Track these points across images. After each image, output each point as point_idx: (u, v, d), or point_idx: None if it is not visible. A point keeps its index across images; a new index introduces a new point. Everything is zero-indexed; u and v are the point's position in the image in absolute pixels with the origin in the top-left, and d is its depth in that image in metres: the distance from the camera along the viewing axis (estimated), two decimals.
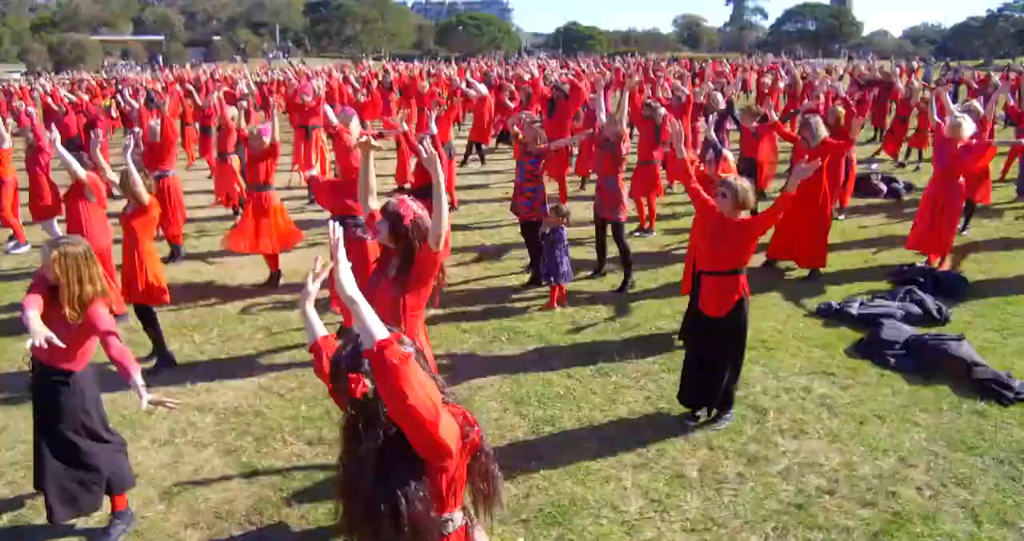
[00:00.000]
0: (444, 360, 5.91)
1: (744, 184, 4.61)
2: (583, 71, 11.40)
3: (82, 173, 6.31)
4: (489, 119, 14.36)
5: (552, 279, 7.02)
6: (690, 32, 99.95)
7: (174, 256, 8.75)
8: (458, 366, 5.82)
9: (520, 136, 7.37)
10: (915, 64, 26.13)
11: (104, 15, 76.72)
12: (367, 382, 2.07)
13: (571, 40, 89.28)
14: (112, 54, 68.79)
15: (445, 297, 7.33)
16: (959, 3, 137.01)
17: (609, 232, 7.61)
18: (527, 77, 15.49)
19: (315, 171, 8.78)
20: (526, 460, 4.53)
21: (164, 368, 5.90)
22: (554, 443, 4.74)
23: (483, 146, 14.78)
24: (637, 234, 9.38)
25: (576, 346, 6.18)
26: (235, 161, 9.79)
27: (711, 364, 4.81)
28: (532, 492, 4.22)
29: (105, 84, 26.09)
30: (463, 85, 14.17)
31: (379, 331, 1.97)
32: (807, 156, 7.03)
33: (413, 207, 3.47)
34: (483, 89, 14.07)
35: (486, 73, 21.31)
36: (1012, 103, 12.17)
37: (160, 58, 63.22)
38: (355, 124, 9.11)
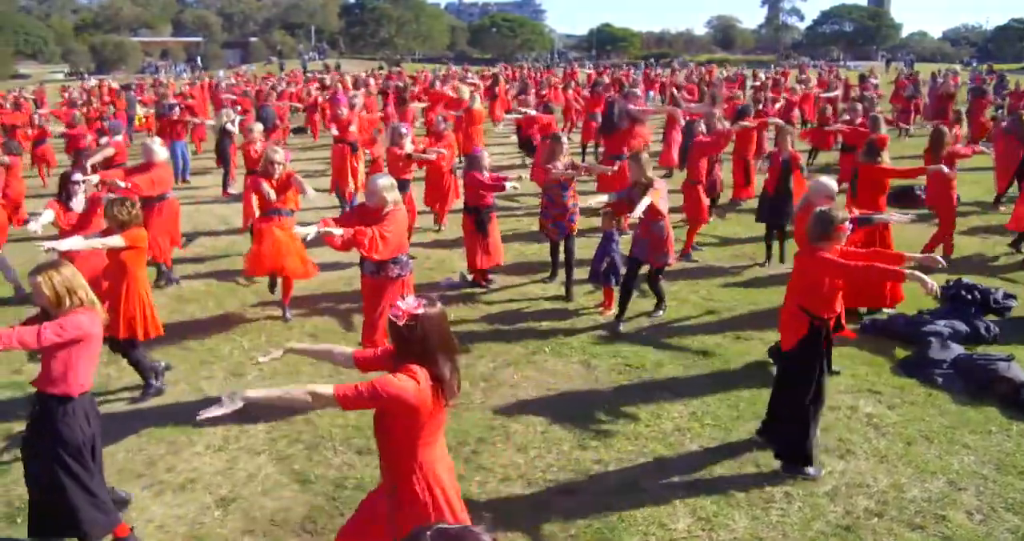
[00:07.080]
0: (489, 372, 6.00)
1: (841, 216, 4.29)
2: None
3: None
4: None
5: (613, 280, 7.02)
6: (724, 34, 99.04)
7: (160, 278, 8.10)
8: (502, 378, 5.89)
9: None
10: (958, 68, 25.62)
11: (144, 17, 78.11)
12: None
13: (604, 41, 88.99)
14: (151, 55, 70.07)
15: (487, 308, 7.41)
16: (1001, 4, 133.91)
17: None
18: (534, 112, 13.28)
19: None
20: (573, 475, 4.59)
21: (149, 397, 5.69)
22: (601, 458, 4.78)
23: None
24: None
25: (619, 359, 6.20)
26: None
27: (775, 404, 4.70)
28: (580, 508, 4.27)
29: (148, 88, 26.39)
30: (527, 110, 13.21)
31: None
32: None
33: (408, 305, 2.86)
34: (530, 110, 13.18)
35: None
36: None
37: (199, 59, 64.38)
38: (408, 142, 8.97)
